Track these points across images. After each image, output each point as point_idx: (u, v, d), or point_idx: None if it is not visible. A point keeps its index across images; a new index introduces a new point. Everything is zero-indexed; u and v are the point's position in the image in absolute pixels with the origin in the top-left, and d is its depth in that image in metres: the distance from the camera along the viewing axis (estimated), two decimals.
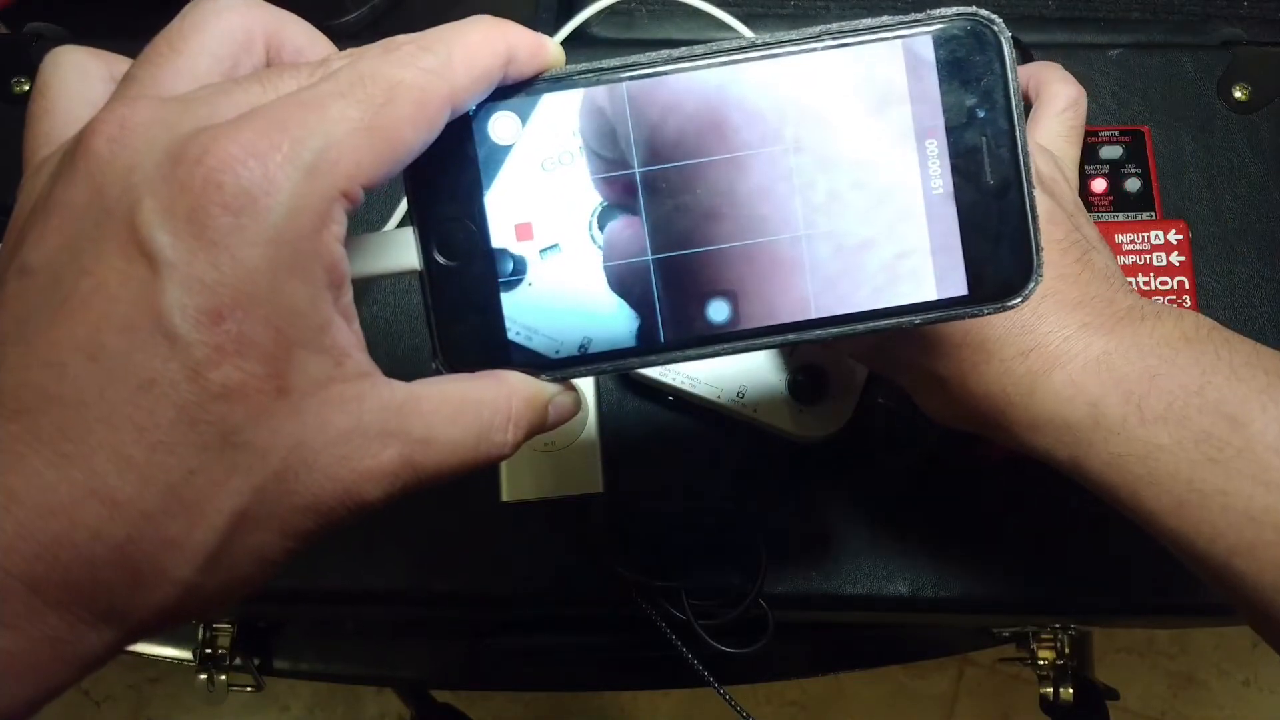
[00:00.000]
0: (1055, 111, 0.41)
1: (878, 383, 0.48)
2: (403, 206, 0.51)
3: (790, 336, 0.27)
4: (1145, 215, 0.50)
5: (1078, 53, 0.54)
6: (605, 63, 0.26)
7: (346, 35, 0.60)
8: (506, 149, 0.27)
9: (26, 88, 0.54)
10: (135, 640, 0.23)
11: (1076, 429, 0.33)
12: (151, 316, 0.21)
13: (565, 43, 0.54)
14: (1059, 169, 0.39)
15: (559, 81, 0.26)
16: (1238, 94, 0.54)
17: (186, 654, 0.65)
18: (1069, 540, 0.49)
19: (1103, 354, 0.33)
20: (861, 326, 0.27)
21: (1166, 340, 0.33)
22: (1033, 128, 0.41)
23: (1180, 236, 0.48)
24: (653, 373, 0.47)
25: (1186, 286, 0.48)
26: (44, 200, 0.23)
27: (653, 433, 0.50)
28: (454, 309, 0.27)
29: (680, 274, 0.27)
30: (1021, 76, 0.43)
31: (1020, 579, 0.49)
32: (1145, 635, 1.21)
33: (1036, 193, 0.27)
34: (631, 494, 0.48)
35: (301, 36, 0.26)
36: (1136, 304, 0.35)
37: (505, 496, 0.45)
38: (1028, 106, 0.43)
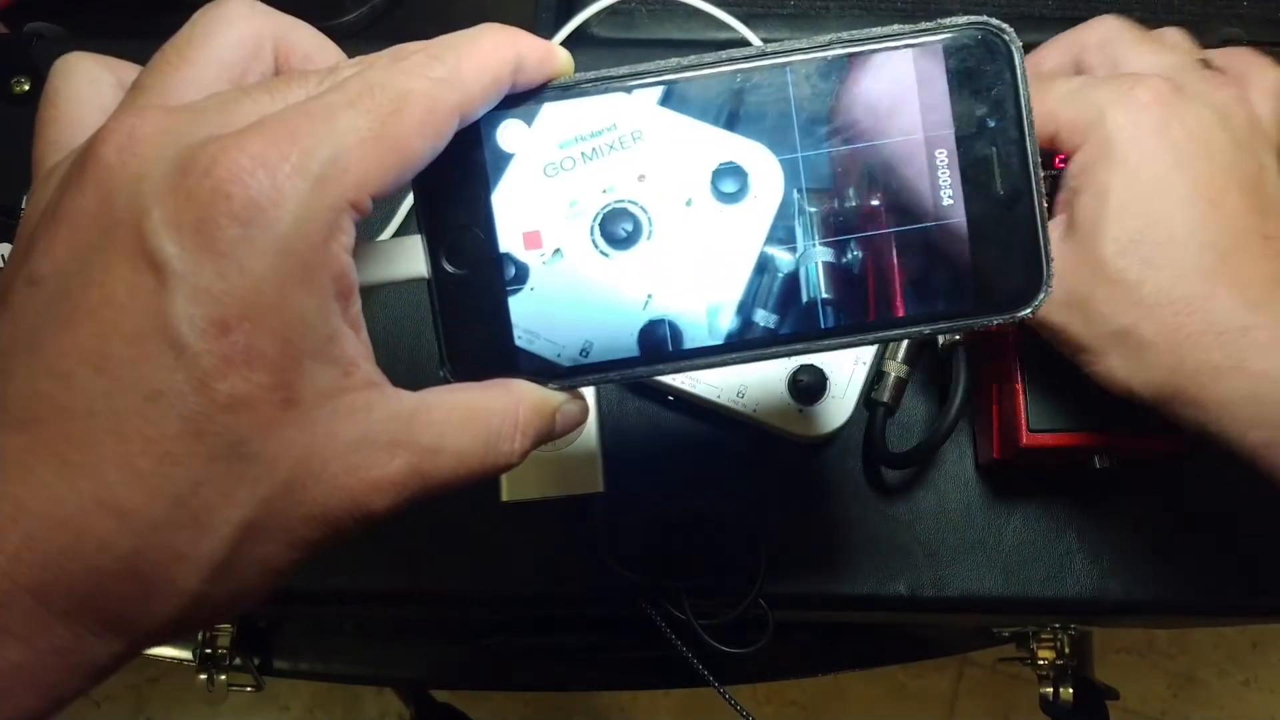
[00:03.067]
0: (1272, 93, 0.38)
1: (877, 383, 0.48)
2: (403, 209, 0.51)
3: (799, 347, 0.27)
4: None
5: None
6: (613, 71, 0.26)
7: (346, 35, 0.60)
8: (515, 157, 0.27)
9: (26, 87, 0.54)
10: (142, 650, 0.23)
11: None
12: (159, 327, 0.21)
13: (564, 43, 0.54)
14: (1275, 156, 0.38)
15: (567, 90, 0.26)
16: None
17: (186, 654, 0.65)
18: (1068, 540, 0.49)
19: None
20: (870, 336, 0.27)
21: None
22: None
23: None
24: None
25: None
26: (52, 209, 0.22)
27: (653, 433, 0.50)
28: (461, 317, 0.27)
29: (690, 283, 0.27)
30: (1219, 60, 0.40)
31: (1020, 579, 0.49)
32: (1145, 635, 1.21)
33: (1046, 203, 0.27)
34: (631, 494, 0.48)
35: (310, 43, 0.26)
36: None
37: (505, 496, 0.45)
38: None
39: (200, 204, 0.21)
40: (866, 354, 0.48)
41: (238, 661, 0.65)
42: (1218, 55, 0.41)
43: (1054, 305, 0.36)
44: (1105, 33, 0.39)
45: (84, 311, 0.21)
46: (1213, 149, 0.35)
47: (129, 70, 0.26)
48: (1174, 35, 0.40)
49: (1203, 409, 0.35)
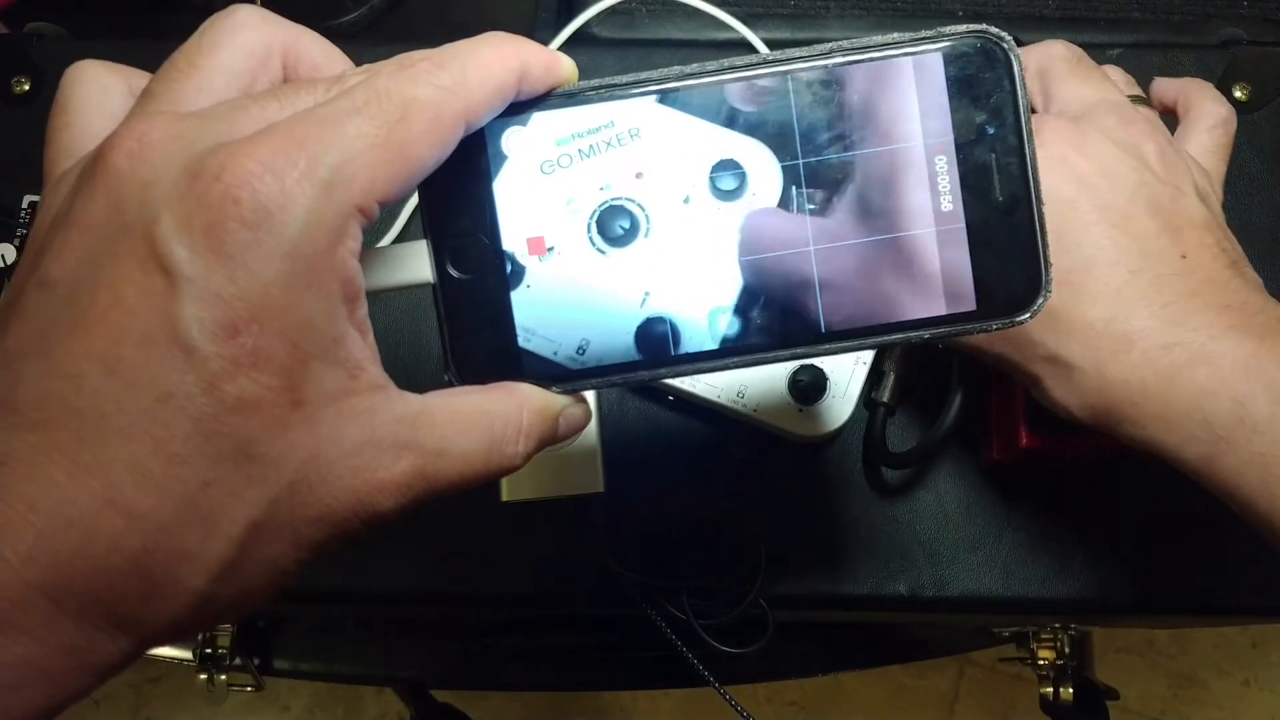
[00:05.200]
0: (1206, 127, 0.41)
1: (877, 383, 0.48)
2: (406, 212, 0.51)
3: (799, 350, 0.27)
4: None
5: None
6: (616, 79, 0.27)
7: (346, 35, 0.60)
8: (519, 164, 0.27)
9: (27, 87, 0.54)
10: (150, 649, 0.23)
11: (1216, 425, 0.33)
12: (168, 330, 0.21)
13: (565, 42, 0.54)
14: (1210, 183, 0.39)
15: (572, 97, 0.27)
16: (1238, 94, 0.54)
17: (186, 654, 0.65)
18: (1068, 540, 0.49)
19: (1252, 356, 0.33)
20: (870, 341, 0.27)
21: None
22: (1182, 141, 0.41)
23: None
24: None
25: None
26: (63, 214, 0.23)
27: (653, 433, 0.50)
28: (466, 321, 0.27)
29: (688, 281, 0.27)
30: (1171, 91, 0.43)
31: (1020, 579, 0.49)
32: (1145, 635, 1.21)
33: (1046, 209, 0.27)
34: (631, 494, 0.48)
35: (317, 52, 0.26)
36: None
37: (505, 496, 0.45)
38: (1176, 122, 0.43)
39: (210, 209, 0.21)
40: (866, 354, 0.48)
41: (238, 661, 0.65)
42: (1166, 85, 0.44)
43: (994, 337, 0.37)
44: (1042, 60, 0.41)
45: (95, 314, 0.21)
46: (1117, 177, 0.36)
47: (139, 78, 0.26)
48: (1111, 73, 0.43)
49: (1139, 426, 0.35)
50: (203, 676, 0.64)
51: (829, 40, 0.27)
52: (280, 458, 0.22)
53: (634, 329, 0.27)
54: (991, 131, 0.27)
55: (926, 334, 0.27)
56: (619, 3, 0.53)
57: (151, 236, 0.21)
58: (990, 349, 0.38)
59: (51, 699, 0.22)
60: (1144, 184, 0.36)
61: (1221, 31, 0.58)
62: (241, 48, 0.25)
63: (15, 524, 0.21)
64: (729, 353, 0.27)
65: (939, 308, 0.27)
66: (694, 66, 0.27)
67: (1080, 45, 0.57)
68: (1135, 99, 0.42)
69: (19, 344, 0.22)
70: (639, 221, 0.27)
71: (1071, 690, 0.62)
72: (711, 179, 0.27)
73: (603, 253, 0.27)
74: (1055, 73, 0.40)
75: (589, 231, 0.27)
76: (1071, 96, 0.39)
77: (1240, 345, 0.34)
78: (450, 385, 0.27)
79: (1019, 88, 0.26)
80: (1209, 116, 0.42)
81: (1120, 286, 0.35)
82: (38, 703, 0.22)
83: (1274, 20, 0.59)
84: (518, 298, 0.27)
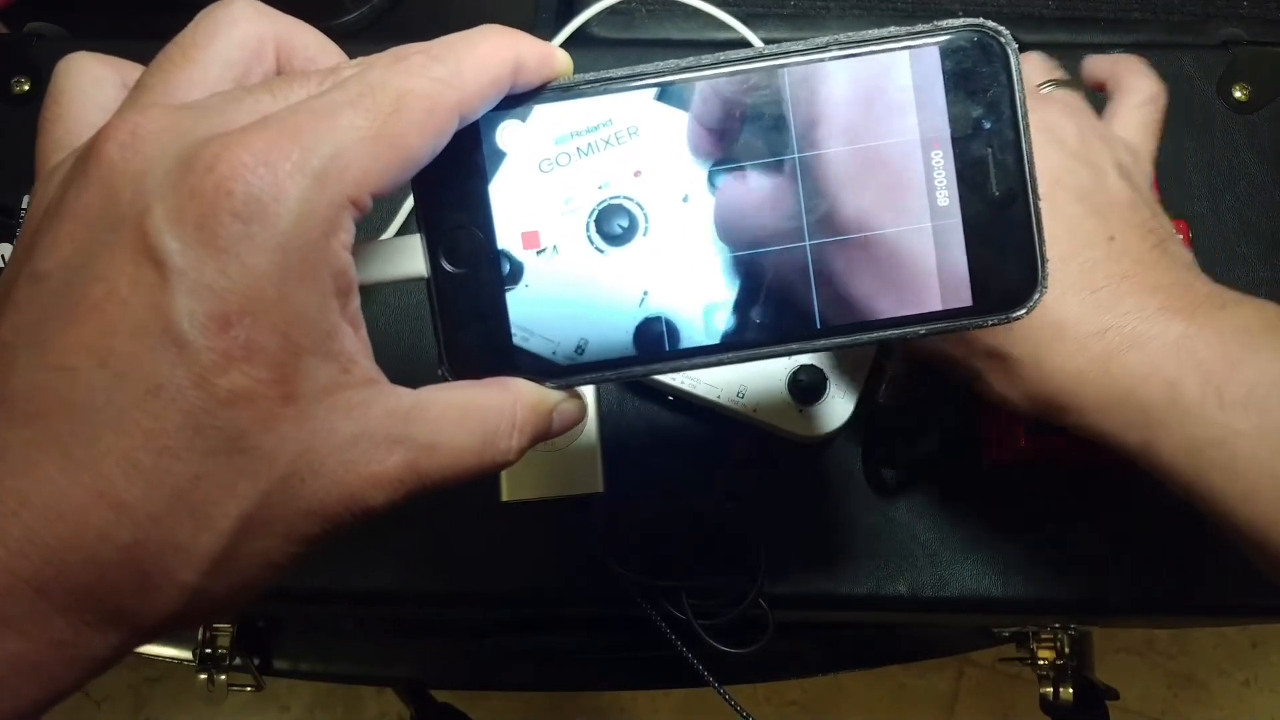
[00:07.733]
0: (1134, 104, 0.41)
1: (877, 383, 0.48)
2: (405, 209, 0.51)
3: (794, 346, 0.27)
4: None
5: (1078, 53, 0.54)
6: (612, 72, 0.27)
7: (345, 35, 0.60)
8: (514, 158, 0.27)
9: (26, 87, 0.54)
10: (142, 643, 0.23)
11: (1151, 409, 0.33)
12: (161, 322, 0.21)
13: (564, 43, 0.54)
14: (1136, 160, 0.39)
15: (567, 91, 0.27)
16: (1238, 94, 0.54)
17: (186, 654, 0.65)
18: (1068, 540, 0.49)
19: (1182, 336, 0.33)
20: (866, 336, 0.27)
21: (1248, 328, 0.33)
22: (1110, 118, 0.41)
23: (1180, 237, 0.48)
24: None
25: None
26: (56, 206, 0.23)
27: (653, 433, 0.50)
28: (460, 316, 0.27)
29: (686, 280, 0.27)
30: (1100, 68, 0.43)
31: (1020, 579, 0.49)
32: (1145, 635, 1.21)
33: (1043, 204, 0.27)
34: (631, 494, 0.48)
35: (312, 44, 0.26)
36: (1216, 291, 0.35)
37: (505, 496, 0.45)
38: (1105, 99, 0.43)
39: (202, 200, 0.21)
40: (866, 354, 0.48)
41: (238, 661, 0.65)
42: (1096, 62, 0.43)
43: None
44: None
45: (87, 306, 0.21)
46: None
47: (132, 70, 0.26)
48: (1033, 58, 0.42)
49: (1080, 414, 0.35)
50: (202, 676, 0.64)
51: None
52: (272, 451, 0.22)
53: (633, 328, 0.27)
54: (988, 126, 0.26)
55: (922, 330, 0.27)
56: (619, 3, 0.53)
57: (143, 228, 0.21)
58: (936, 347, 0.38)
59: (42, 693, 0.22)
60: (1066, 168, 0.36)
61: (1221, 31, 0.58)
62: (235, 40, 0.25)
63: (4, 518, 0.21)
64: (724, 348, 0.27)
65: (934, 303, 0.27)
66: (690, 60, 0.27)
67: (1080, 45, 0.57)
68: (1060, 83, 0.42)
69: (12, 336, 0.22)
70: (638, 220, 0.27)
71: (1071, 690, 0.62)
72: (710, 177, 0.27)
73: (601, 252, 0.27)
74: None
75: (587, 230, 0.27)
76: None
77: (1170, 327, 0.34)
78: (444, 380, 0.27)
79: (1016, 82, 0.26)
80: (1137, 92, 0.41)
81: (1053, 273, 0.35)
82: (29, 697, 0.22)
83: (1274, 20, 0.59)
84: (516, 298, 0.27)
